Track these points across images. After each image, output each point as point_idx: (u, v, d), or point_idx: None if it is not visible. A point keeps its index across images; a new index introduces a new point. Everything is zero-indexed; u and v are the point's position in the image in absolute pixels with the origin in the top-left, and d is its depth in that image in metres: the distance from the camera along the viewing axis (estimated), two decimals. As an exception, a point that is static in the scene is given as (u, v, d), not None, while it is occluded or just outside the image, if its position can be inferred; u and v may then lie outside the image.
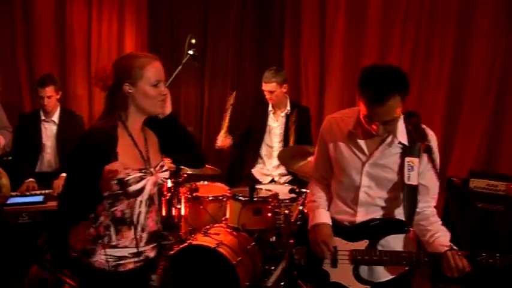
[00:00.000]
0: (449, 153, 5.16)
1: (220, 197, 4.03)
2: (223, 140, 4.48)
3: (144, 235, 2.21)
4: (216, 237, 3.62)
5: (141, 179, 2.11)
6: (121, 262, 2.16)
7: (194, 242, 3.58)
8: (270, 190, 3.93)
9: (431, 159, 2.14)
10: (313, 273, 2.42)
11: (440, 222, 2.32)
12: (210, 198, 4.06)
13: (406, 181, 2.25)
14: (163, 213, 4.49)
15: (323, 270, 2.39)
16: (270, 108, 4.51)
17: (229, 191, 3.95)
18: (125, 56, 2.20)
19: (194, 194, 4.07)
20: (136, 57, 2.13)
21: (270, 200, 3.70)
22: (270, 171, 4.53)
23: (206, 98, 5.77)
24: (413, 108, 5.09)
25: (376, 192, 2.34)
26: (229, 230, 3.76)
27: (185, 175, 4.20)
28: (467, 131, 5.11)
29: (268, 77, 4.35)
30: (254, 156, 4.62)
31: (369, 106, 2.13)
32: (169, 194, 4.31)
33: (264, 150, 4.56)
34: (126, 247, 2.15)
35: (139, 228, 2.18)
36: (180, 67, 3.86)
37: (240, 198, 3.71)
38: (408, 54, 5.13)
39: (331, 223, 2.44)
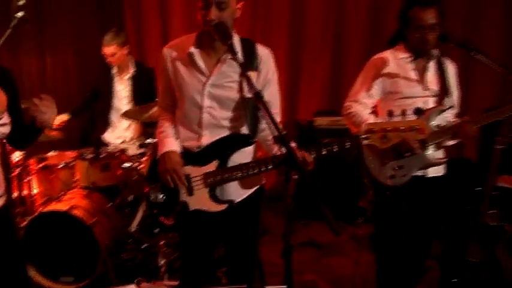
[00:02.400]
0: (296, 100, 5.51)
1: (71, 163, 3.95)
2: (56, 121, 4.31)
3: None
4: (69, 202, 3.59)
5: None
6: None
7: (46, 209, 3.52)
8: (117, 147, 3.94)
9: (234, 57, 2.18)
10: (173, 206, 2.44)
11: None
12: (61, 166, 3.97)
13: (246, 95, 2.31)
14: (15, 193, 4.29)
15: (181, 201, 2.41)
16: (115, 71, 4.43)
17: (76, 152, 3.90)
18: None
19: (43, 164, 3.97)
20: None
21: (118, 155, 3.71)
22: (121, 133, 4.49)
23: (49, 66, 5.56)
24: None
25: (219, 113, 2.37)
26: (84, 193, 3.74)
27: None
28: (310, 78, 5.49)
29: (108, 40, 4.24)
30: (103, 122, 4.53)
31: None
32: (17, 169, 4.14)
33: (113, 116, 4.48)
34: None
35: None
36: (8, 31, 3.63)
37: (87, 156, 3.68)
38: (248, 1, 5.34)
39: (179, 150, 2.44)
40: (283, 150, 2.10)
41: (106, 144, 4.31)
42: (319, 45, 5.47)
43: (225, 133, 2.40)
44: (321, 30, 5.43)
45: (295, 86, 5.53)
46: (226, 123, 2.39)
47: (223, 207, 2.39)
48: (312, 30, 5.44)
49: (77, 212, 3.46)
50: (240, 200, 2.45)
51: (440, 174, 2.95)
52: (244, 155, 2.42)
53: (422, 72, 2.87)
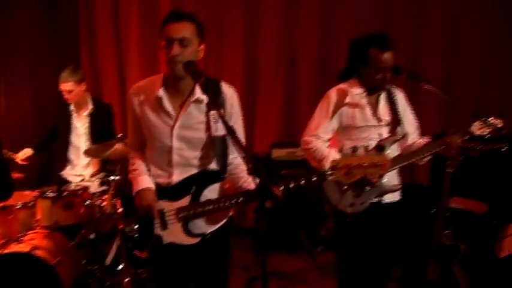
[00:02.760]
0: (252, 133, 5.63)
1: (30, 203, 3.89)
2: (22, 155, 4.39)
3: None
4: (31, 242, 3.53)
5: None
6: None
7: (5, 251, 3.45)
8: (80, 185, 3.92)
9: (212, 100, 2.33)
10: (147, 240, 2.48)
11: None
12: (19, 206, 3.89)
13: (213, 133, 2.41)
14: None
15: (156, 235, 2.47)
16: (72, 107, 4.44)
17: (37, 192, 3.85)
18: None
19: (1, 205, 3.88)
20: None
21: (81, 192, 3.69)
22: (79, 172, 4.47)
23: (3, 106, 5.45)
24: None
25: (189, 153, 2.46)
26: (44, 233, 3.69)
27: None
28: (265, 111, 5.63)
29: (64, 77, 4.26)
30: (62, 159, 4.51)
31: (166, 25, 2.33)
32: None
33: (71, 153, 4.46)
34: None
35: None
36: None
37: (49, 195, 3.66)
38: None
39: (153, 187, 2.50)
40: (252, 183, 2.24)
41: (68, 182, 4.28)
42: (272, 79, 5.64)
43: (194, 171, 2.48)
44: (274, 64, 5.61)
45: (251, 119, 5.66)
46: (196, 162, 2.48)
47: (196, 240, 2.45)
48: (266, 64, 5.62)
49: (39, 253, 3.41)
50: (211, 231, 2.52)
51: (396, 199, 3.10)
52: (214, 190, 2.51)
53: (375, 104, 3.04)
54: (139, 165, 2.58)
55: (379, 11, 5.41)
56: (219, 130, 2.41)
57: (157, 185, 2.51)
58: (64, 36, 5.61)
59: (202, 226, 2.50)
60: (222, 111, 2.38)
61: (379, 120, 3.01)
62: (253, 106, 5.67)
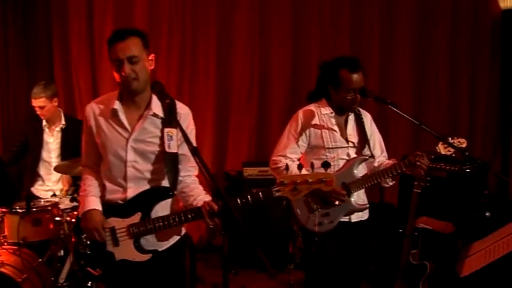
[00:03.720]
0: (224, 151, 5.67)
1: (-3, 218, 3.83)
2: None
3: None
4: (-3, 259, 3.48)
5: None
6: None
7: (-29, 268, 3.39)
8: (50, 201, 3.88)
9: (176, 121, 2.37)
10: (100, 257, 2.50)
11: (201, 188, 2.57)
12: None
13: (166, 149, 2.45)
14: None
15: (108, 252, 2.48)
16: (44, 123, 4.41)
17: (4, 207, 3.77)
18: None
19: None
20: None
21: (50, 208, 3.66)
22: (50, 187, 4.43)
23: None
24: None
25: (143, 166, 2.49)
26: (11, 250, 3.63)
27: None
28: (237, 130, 5.68)
29: (36, 93, 4.24)
30: (32, 175, 4.47)
31: (112, 46, 2.36)
32: None
33: (41, 169, 4.43)
34: None
35: None
36: None
37: (17, 210, 3.62)
38: (176, 58, 5.54)
39: (100, 208, 2.52)
40: (199, 202, 2.38)
41: (37, 198, 4.22)
42: (245, 98, 5.72)
43: (148, 185, 2.52)
44: (247, 84, 5.70)
45: (223, 138, 5.72)
46: (149, 175, 2.52)
47: (147, 257, 2.49)
48: (238, 84, 5.70)
49: (5, 270, 3.37)
50: (163, 249, 2.55)
51: (365, 218, 3.15)
52: (164, 206, 2.54)
53: (343, 125, 3.11)
54: (89, 185, 2.60)
55: (351, 34, 5.57)
56: (172, 147, 2.47)
57: (111, 201, 2.54)
58: (37, 49, 5.55)
59: (153, 243, 2.53)
60: (174, 130, 2.46)
61: (347, 141, 3.07)
62: (226, 125, 5.72)
